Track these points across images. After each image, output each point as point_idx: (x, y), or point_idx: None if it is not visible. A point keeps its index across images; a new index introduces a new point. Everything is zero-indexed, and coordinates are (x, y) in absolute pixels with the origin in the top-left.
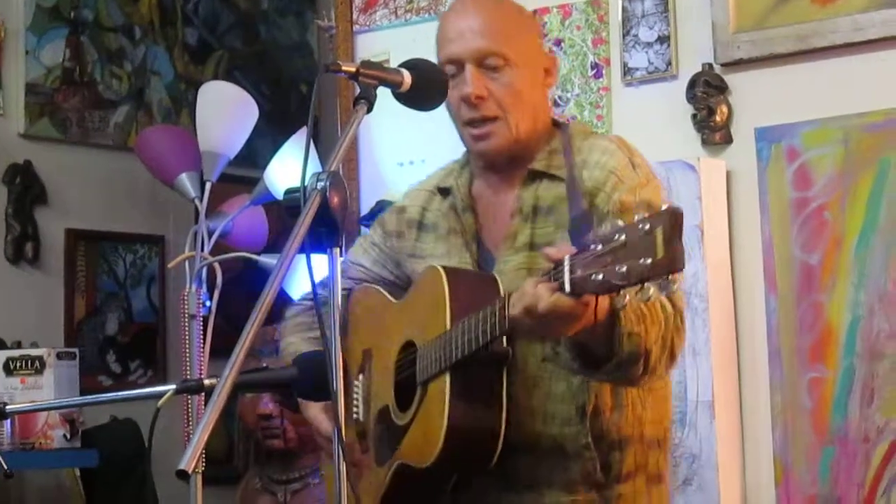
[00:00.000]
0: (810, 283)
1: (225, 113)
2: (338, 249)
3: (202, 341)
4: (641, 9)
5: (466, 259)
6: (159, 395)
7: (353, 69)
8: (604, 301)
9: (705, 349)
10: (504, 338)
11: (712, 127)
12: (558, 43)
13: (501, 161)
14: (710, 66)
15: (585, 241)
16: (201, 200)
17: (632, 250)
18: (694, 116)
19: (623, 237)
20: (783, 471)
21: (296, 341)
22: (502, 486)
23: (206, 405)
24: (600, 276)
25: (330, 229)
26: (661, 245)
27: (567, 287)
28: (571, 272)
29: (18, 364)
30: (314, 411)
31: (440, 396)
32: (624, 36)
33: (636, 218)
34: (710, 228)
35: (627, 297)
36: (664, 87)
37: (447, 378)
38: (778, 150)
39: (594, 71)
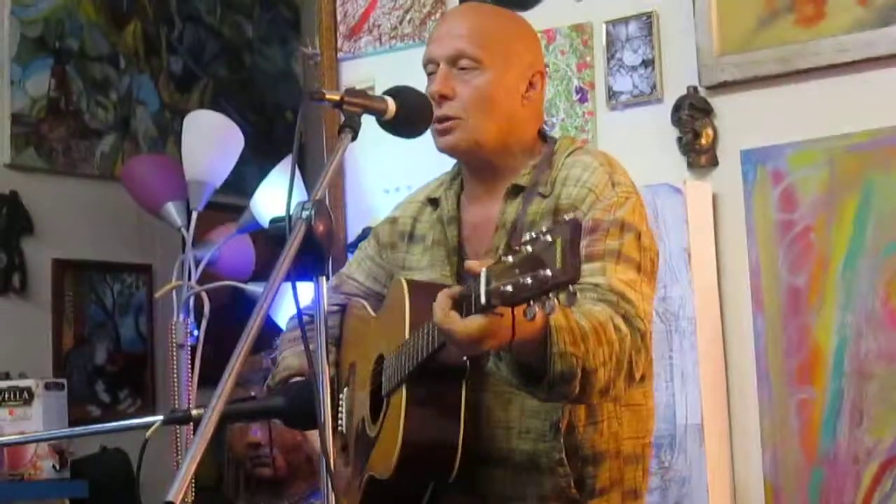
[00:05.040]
0: (797, 304)
1: (211, 142)
2: (324, 278)
3: (190, 370)
4: (626, 33)
5: (447, 271)
6: (147, 426)
7: (336, 97)
8: (520, 315)
9: (693, 372)
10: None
11: (698, 150)
12: None
13: (475, 168)
14: (695, 89)
15: (501, 253)
16: (188, 229)
17: (536, 261)
18: (679, 139)
19: (529, 248)
20: (773, 493)
21: (287, 356)
22: (475, 500)
23: (194, 435)
24: (509, 288)
25: (316, 258)
26: (559, 255)
27: (483, 299)
28: (487, 283)
29: (7, 395)
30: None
31: (398, 409)
32: (608, 60)
33: (543, 228)
34: (697, 251)
35: (537, 308)
36: (649, 110)
37: (404, 390)
38: (763, 173)
39: (579, 95)
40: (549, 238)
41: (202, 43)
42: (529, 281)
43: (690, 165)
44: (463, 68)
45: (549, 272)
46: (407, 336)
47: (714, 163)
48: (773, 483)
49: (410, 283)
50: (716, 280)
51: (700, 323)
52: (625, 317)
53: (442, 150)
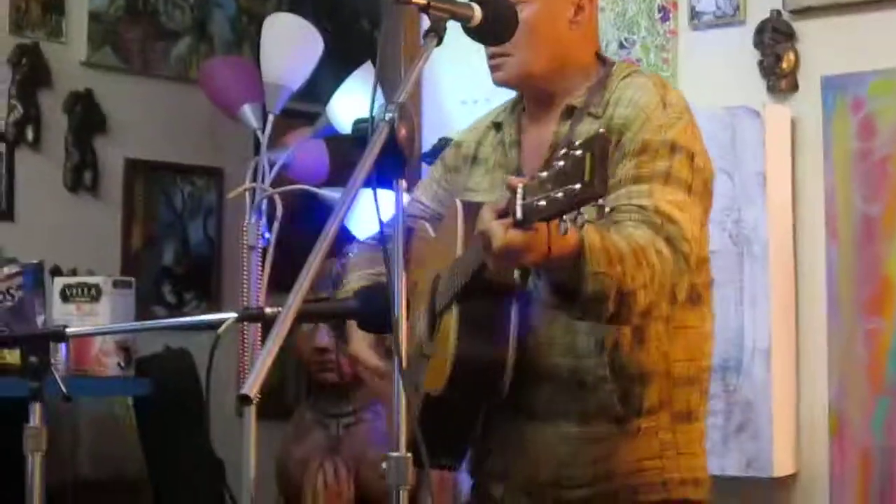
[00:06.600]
0: (871, 233)
1: (290, 45)
2: (403, 181)
3: (260, 272)
4: None
5: (508, 193)
6: (219, 324)
7: (423, 1)
8: (556, 231)
9: (763, 296)
10: (516, 270)
11: (778, 74)
12: None
13: (532, 93)
14: (779, 12)
15: (538, 169)
16: (263, 132)
17: (567, 176)
18: (760, 63)
19: (561, 163)
20: (837, 420)
21: (353, 279)
22: (521, 416)
23: (263, 336)
24: (542, 203)
25: (396, 160)
26: (588, 169)
27: (518, 213)
28: (523, 199)
29: (75, 291)
30: (359, 346)
31: (450, 326)
32: None
33: (575, 143)
34: (773, 175)
35: (568, 223)
36: (731, 32)
37: (455, 308)
38: (843, 100)
39: (661, 14)
40: (579, 153)
41: None
42: (561, 195)
43: (770, 89)
44: None
45: (578, 186)
46: (459, 254)
47: (794, 88)
48: (838, 411)
49: (464, 203)
50: (790, 205)
51: (772, 248)
52: (668, 239)
53: (496, 84)
